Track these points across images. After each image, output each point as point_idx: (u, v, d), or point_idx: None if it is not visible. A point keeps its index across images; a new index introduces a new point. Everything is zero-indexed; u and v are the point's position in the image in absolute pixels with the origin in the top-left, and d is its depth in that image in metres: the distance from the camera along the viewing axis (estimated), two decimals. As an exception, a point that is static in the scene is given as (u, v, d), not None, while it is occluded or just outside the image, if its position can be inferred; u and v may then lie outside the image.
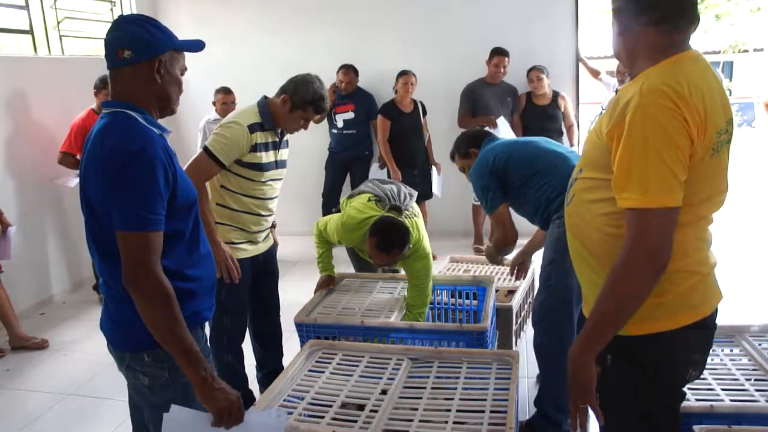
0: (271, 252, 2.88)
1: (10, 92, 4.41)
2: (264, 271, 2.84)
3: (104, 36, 1.58)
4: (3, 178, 4.28)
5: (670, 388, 1.48)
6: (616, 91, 1.50)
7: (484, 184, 2.69)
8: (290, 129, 2.67)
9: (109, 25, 1.59)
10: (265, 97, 2.65)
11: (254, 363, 3.04)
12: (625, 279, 1.32)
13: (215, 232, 2.53)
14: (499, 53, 5.20)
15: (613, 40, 1.48)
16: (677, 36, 1.38)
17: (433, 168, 5.42)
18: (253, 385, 2.98)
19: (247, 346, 2.92)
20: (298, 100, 2.55)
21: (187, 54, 1.65)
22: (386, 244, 2.64)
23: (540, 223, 2.72)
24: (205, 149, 2.49)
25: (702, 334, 1.46)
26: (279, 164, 2.69)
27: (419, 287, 2.82)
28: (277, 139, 2.65)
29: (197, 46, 1.65)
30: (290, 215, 5.85)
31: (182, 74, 1.64)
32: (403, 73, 5.21)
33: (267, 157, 2.60)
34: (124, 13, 5.78)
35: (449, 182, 5.51)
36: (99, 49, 5.45)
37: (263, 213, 2.69)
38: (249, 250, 2.70)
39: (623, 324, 1.37)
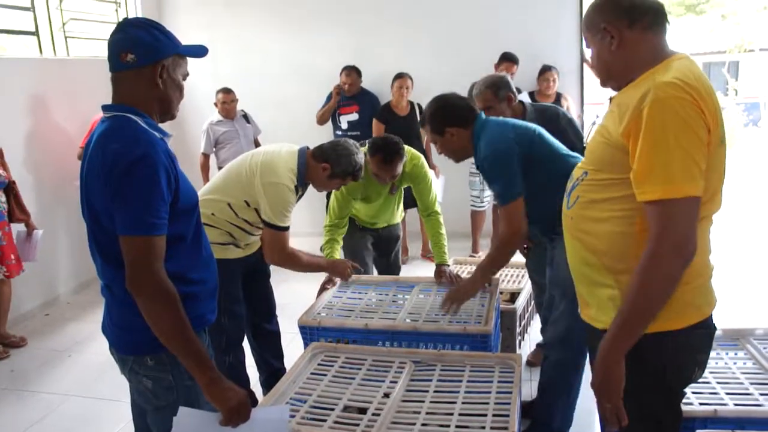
0: (261, 253, 2.89)
1: (18, 93, 4.42)
2: (256, 270, 2.86)
3: (108, 38, 1.58)
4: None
5: (675, 387, 1.51)
6: (610, 100, 1.51)
7: (507, 163, 2.28)
8: (321, 190, 2.83)
9: (114, 26, 1.60)
10: (307, 149, 2.68)
11: (255, 366, 3.04)
12: (654, 273, 1.32)
13: (318, 260, 2.86)
14: (508, 59, 5.08)
15: (606, 58, 1.48)
16: (664, 37, 1.45)
17: (432, 172, 5.32)
18: (255, 387, 2.98)
19: (247, 349, 2.92)
20: (340, 171, 2.66)
21: (189, 58, 1.65)
22: (388, 154, 2.94)
23: (549, 234, 2.46)
24: (269, 225, 2.56)
25: (706, 334, 1.48)
26: None
27: (426, 189, 3.37)
28: (302, 193, 2.73)
29: (200, 51, 1.64)
30: (294, 217, 5.82)
31: (184, 79, 1.64)
32: (398, 77, 5.15)
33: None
34: (129, 15, 5.79)
35: (451, 185, 5.48)
36: (104, 51, 5.41)
37: (256, 234, 2.72)
38: (239, 251, 2.71)
39: (652, 319, 1.37)
